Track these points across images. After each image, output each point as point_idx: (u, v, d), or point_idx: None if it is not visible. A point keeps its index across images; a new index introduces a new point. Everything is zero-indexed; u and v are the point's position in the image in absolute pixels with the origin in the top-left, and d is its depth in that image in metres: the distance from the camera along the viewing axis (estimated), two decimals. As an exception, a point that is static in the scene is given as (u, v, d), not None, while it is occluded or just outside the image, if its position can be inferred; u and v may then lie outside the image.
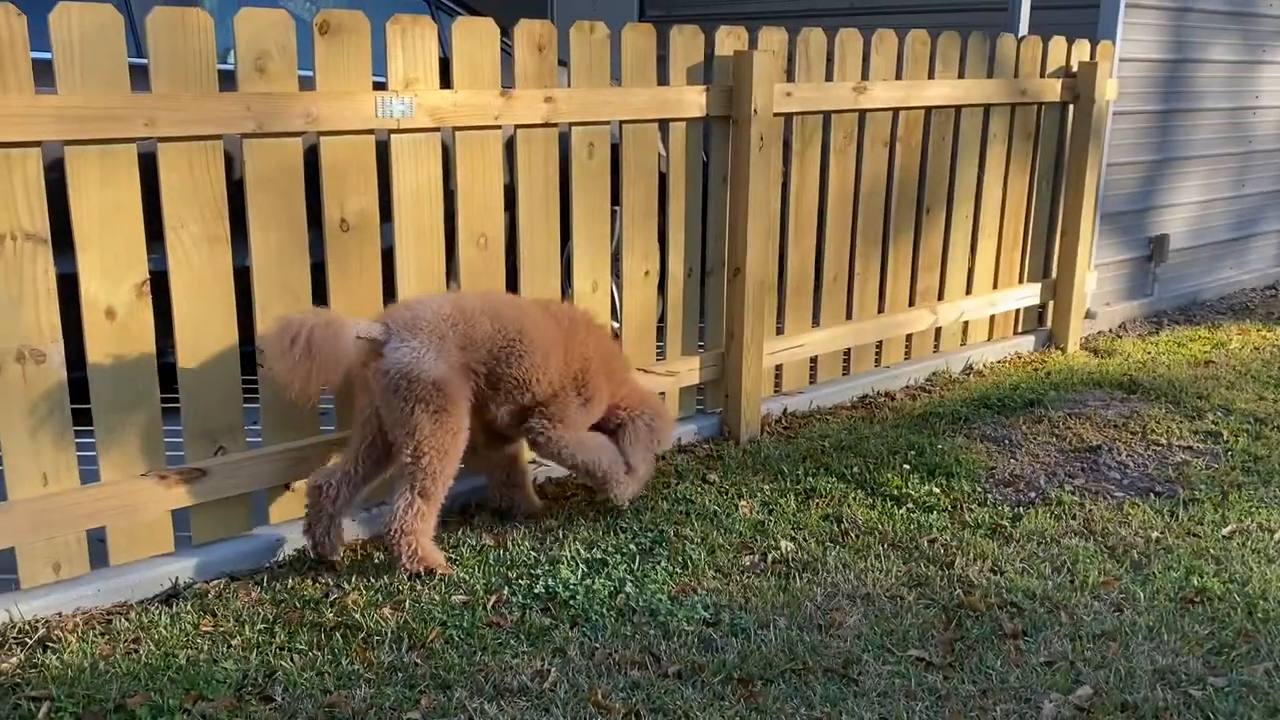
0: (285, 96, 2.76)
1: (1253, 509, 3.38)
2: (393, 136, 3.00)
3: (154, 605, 2.70)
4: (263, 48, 2.73)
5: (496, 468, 3.22)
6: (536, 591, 2.79)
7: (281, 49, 2.76)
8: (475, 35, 3.10)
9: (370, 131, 2.95)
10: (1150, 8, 5.31)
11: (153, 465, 2.75)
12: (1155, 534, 3.20)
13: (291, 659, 2.48)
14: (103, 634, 2.57)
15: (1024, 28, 4.98)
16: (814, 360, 4.36)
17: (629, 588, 2.81)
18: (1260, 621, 2.71)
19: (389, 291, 3.09)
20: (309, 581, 2.82)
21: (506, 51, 3.22)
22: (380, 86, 2.94)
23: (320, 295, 2.96)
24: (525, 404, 3.01)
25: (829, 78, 4.04)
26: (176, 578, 2.80)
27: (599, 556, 2.98)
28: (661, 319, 3.91)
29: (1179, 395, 4.47)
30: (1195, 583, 2.89)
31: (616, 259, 3.79)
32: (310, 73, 2.85)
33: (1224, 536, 3.19)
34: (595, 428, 3.24)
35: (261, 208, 2.82)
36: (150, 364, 2.70)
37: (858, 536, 3.15)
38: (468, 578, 2.85)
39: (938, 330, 4.79)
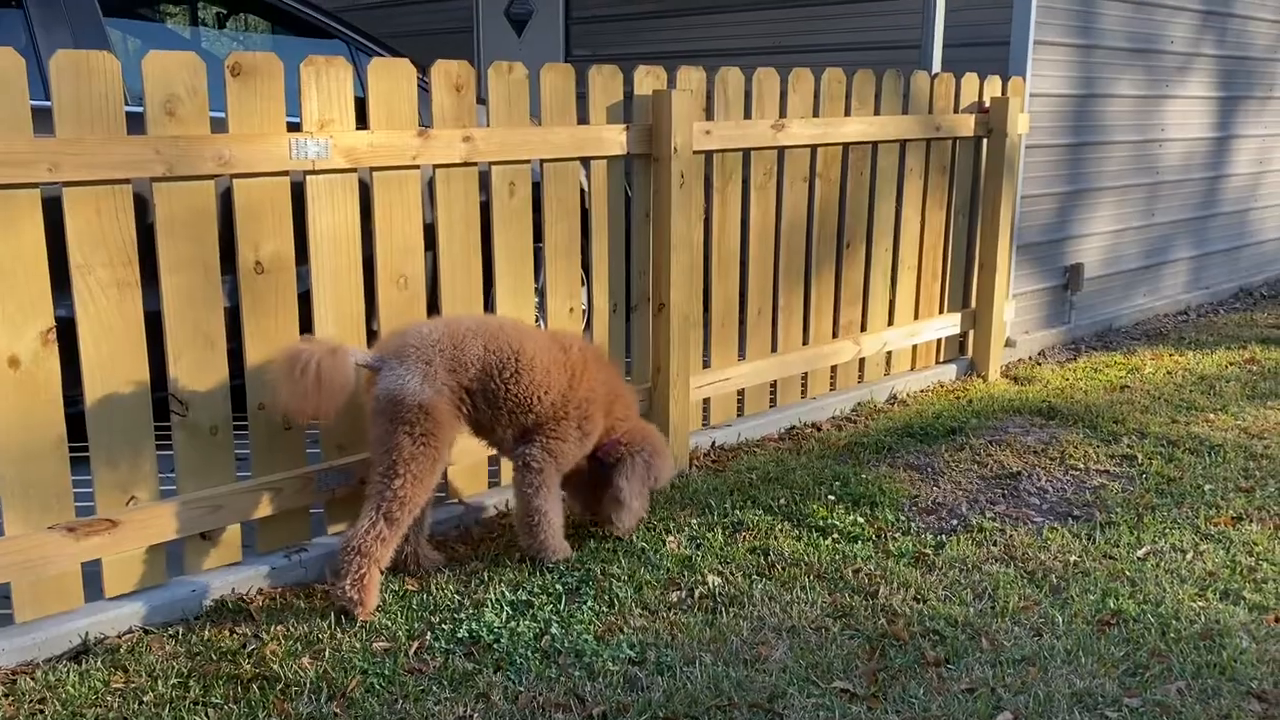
0: (196, 139, 2.73)
1: (1166, 530, 3.47)
2: (308, 178, 2.97)
3: (62, 663, 2.61)
4: (172, 90, 2.69)
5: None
6: (460, 636, 2.75)
7: (191, 91, 2.73)
8: (391, 75, 3.10)
9: (285, 173, 2.92)
10: (1058, 45, 5.49)
11: (61, 517, 2.67)
12: (1073, 558, 3.26)
13: (206, 714, 2.41)
14: (6, 695, 2.48)
15: (937, 65, 5.11)
16: (741, 393, 4.39)
17: (554, 629, 2.79)
18: (1173, 641, 2.77)
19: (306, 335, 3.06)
20: (226, 632, 2.75)
21: (425, 90, 3.22)
22: (295, 127, 2.92)
23: (235, 339, 2.91)
24: (528, 425, 3.05)
25: (748, 116, 4.10)
26: (87, 633, 2.71)
27: (524, 598, 2.95)
28: (587, 356, 3.90)
29: (1096, 420, 4.58)
30: (1111, 605, 2.95)
31: (541, 296, 3.78)
32: (224, 114, 2.82)
33: (1139, 558, 3.27)
34: (592, 459, 3.27)
35: (173, 252, 2.77)
36: (57, 413, 2.63)
37: (784, 569, 3.17)
38: (390, 624, 2.81)
39: (862, 361, 4.86)
